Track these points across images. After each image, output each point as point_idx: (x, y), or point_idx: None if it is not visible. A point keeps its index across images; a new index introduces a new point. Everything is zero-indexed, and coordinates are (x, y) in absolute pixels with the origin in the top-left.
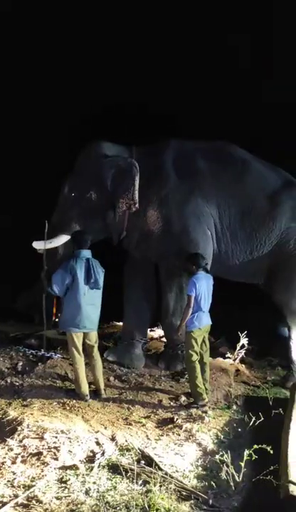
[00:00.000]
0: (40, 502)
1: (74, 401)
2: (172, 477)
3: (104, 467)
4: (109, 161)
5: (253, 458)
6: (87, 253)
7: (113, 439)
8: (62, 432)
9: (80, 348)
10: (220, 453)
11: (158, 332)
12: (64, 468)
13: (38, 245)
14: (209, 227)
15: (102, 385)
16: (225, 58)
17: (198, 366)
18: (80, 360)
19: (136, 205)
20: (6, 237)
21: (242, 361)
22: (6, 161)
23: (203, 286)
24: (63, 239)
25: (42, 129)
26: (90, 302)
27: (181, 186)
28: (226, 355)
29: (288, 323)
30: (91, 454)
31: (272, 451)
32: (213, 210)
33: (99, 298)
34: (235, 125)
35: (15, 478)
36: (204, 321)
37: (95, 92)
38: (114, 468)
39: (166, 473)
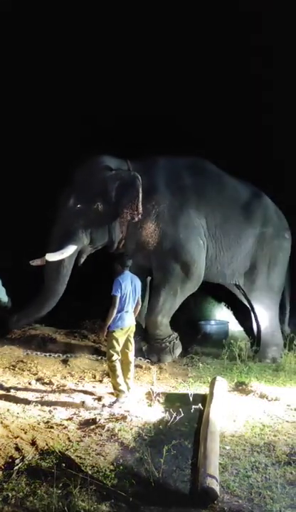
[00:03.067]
0: None
1: None
2: (93, 478)
3: (23, 473)
4: (114, 174)
5: (173, 453)
6: None
7: (33, 443)
8: None
9: None
10: (141, 450)
11: None
12: None
13: (52, 257)
14: (201, 237)
15: None
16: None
17: (118, 365)
18: None
19: (140, 216)
20: None
21: None
22: None
23: (129, 286)
24: (72, 249)
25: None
26: None
27: (175, 201)
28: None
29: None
30: (10, 461)
31: (190, 445)
32: (202, 220)
33: None
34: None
35: None
36: (127, 322)
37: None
38: (33, 474)
39: (86, 475)
